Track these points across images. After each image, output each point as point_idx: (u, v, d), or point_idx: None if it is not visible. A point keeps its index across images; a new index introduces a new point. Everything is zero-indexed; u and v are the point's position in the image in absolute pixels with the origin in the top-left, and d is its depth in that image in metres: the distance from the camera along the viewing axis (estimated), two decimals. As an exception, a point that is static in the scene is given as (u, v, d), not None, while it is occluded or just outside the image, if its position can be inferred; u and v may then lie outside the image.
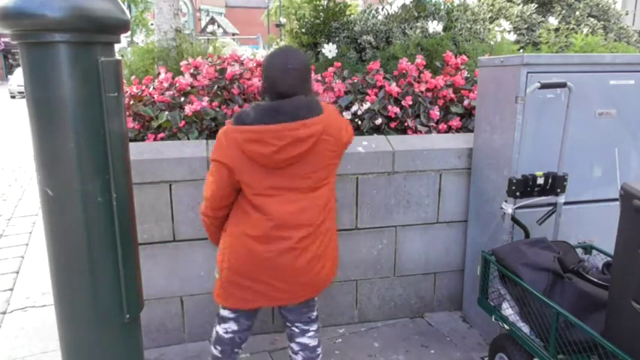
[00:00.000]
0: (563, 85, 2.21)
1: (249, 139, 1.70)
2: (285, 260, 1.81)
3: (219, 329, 2.01)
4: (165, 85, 2.98)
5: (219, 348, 2.02)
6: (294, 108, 1.74)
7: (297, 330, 2.02)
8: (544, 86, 2.19)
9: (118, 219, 1.55)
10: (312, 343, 2.03)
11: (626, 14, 6.16)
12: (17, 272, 3.64)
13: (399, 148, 2.69)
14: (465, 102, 3.03)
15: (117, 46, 1.63)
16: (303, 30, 3.85)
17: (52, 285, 1.59)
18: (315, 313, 2.06)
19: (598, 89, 2.37)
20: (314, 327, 2.04)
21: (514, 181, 2.19)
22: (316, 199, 1.84)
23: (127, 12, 1.55)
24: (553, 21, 4.76)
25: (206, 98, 2.78)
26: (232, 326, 2.00)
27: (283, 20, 24.44)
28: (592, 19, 5.13)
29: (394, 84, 2.99)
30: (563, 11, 5.19)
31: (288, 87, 1.76)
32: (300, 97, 1.78)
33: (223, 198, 1.83)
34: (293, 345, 2.04)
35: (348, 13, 3.98)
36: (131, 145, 1.73)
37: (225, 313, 1.99)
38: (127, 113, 2.70)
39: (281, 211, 1.78)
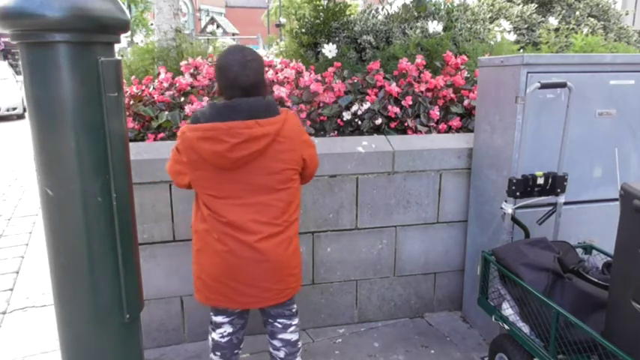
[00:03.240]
0: (563, 85, 2.21)
1: (202, 137, 1.70)
2: (243, 262, 1.80)
3: (215, 336, 2.01)
4: (165, 85, 2.98)
5: (218, 354, 2.02)
6: (249, 107, 1.73)
7: (279, 326, 2.02)
8: (544, 86, 2.18)
9: (118, 219, 1.55)
10: (294, 337, 2.03)
11: (626, 14, 6.16)
12: (17, 272, 3.64)
13: (399, 148, 2.69)
14: (465, 102, 3.03)
15: (117, 46, 1.63)
16: (303, 30, 3.84)
17: (52, 285, 1.59)
18: (295, 305, 2.06)
19: (598, 89, 2.37)
20: (295, 321, 2.05)
21: (514, 181, 2.19)
22: (273, 202, 1.81)
23: (127, 12, 1.55)
24: (553, 21, 4.76)
25: (206, 98, 2.79)
26: (228, 329, 2.00)
27: (283, 20, 24.42)
28: (592, 19, 5.13)
29: (394, 84, 2.99)
30: (563, 11, 5.19)
31: (249, 81, 1.75)
32: (259, 97, 1.77)
33: (178, 175, 1.84)
34: (275, 342, 2.03)
35: (348, 13, 3.97)
36: (131, 145, 1.73)
37: (218, 318, 2.00)
38: (127, 113, 2.70)
39: (233, 212, 1.78)
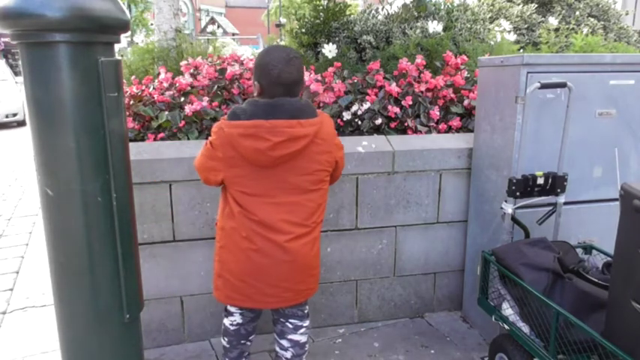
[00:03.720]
0: (563, 85, 2.21)
1: (244, 134, 1.71)
2: (270, 262, 1.81)
3: (226, 322, 2.07)
4: (165, 85, 2.98)
5: (226, 339, 2.08)
6: (293, 108, 1.75)
7: (290, 326, 2.03)
8: (544, 86, 2.19)
9: (118, 219, 1.55)
10: (303, 339, 2.05)
11: (626, 14, 6.16)
12: (17, 272, 3.64)
13: (399, 148, 2.69)
14: (465, 102, 3.03)
15: (117, 46, 1.63)
16: (303, 30, 3.84)
17: (52, 285, 1.59)
18: (307, 307, 2.08)
19: (598, 89, 2.37)
20: (306, 323, 2.06)
21: (514, 181, 2.19)
22: (305, 202, 1.83)
23: (127, 12, 1.55)
24: (553, 21, 4.76)
25: (206, 98, 2.78)
26: (237, 319, 2.04)
27: (283, 20, 24.43)
28: (592, 19, 5.13)
29: (394, 84, 2.99)
30: (563, 11, 5.19)
31: (292, 78, 1.76)
32: (298, 98, 1.81)
33: (210, 171, 1.83)
34: (283, 342, 2.05)
35: (348, 13, 3.97)
36: (131, 145, 1.73)
37: (231, 308, 2.04)
38: (127, 113, 2.70)
39: (264, 210, 1.78)
